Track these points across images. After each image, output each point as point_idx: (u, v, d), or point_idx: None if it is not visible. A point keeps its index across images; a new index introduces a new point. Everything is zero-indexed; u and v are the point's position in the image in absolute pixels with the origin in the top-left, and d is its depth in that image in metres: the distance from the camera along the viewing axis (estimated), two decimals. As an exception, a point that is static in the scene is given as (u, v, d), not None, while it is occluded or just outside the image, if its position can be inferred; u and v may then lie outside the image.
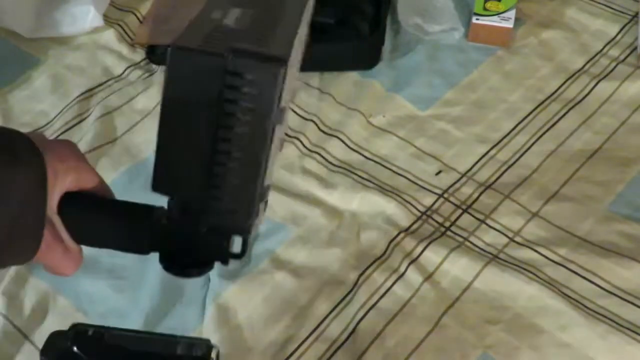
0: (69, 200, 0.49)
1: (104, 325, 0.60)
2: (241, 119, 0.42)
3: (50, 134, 1.16)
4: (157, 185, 0.45)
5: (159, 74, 1.24)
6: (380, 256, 0.97)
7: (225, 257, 0.49)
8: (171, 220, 0.49)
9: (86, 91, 1.22)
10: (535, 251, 0.96)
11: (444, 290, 0.93)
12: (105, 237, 0.51)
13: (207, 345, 0.59)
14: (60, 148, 0.48)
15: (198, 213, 0.45)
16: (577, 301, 0.90)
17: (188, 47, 0.41)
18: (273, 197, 1.04)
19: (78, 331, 0.58)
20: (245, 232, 0.47)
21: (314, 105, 1.18)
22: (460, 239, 0.98)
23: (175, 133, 0.43)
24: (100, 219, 0.51)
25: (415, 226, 1.00)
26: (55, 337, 0.59)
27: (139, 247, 0.51)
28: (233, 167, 0.43)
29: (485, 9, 1.26)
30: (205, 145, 0.42)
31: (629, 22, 1.28)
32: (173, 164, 0.44)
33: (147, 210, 0.51)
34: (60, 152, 0.47)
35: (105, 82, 1.24)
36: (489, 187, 1.05)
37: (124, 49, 1.30)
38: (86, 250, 0.53)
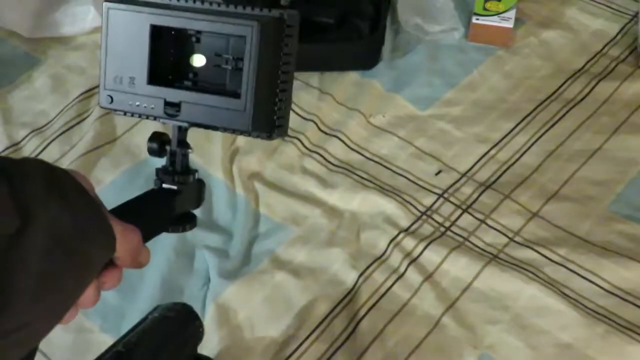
0: None
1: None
2: (290, 58, 0.55)
3: (50, 133, 1.16)
4: (255, 125, 0.54)
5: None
6: (380, 256, 0.97)
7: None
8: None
9: (86, 91, 1.22)
10: (535, 251, 0.96)
11: (444, 290, 0.93)
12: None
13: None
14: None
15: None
16: (577, 301, 0.90)
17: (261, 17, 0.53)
18: (273, 197, 1.05)
19: None
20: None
21: (314, 105, 1.18)
22: (460, 239, 0.98)
23: (263, 84, 0.53)
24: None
25: (415, 226, 1.00)
26: None
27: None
28: (286, 89, 0.56)
29: (485, 9, 1.26)
30: (276, 83, 0.55)
31: (629, 22, 1.28)
32: (262, 107, 0.54)
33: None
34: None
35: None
36: (489, 187, 1.05)
37: (124, 49, 1.29)
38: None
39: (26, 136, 1.17)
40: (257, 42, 0.51)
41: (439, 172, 1.07)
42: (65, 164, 1.11)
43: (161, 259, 0.97)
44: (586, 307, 0.89)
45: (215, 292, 0.94)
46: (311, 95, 1.20)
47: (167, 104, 0.55)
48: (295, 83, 1.30)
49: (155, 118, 0.56)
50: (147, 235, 0.52)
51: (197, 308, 0.92)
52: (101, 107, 0.57)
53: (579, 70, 1.21)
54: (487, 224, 1.00)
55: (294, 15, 0.54)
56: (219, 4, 0.54)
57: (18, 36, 1.32)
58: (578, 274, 0.93)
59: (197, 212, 1.11)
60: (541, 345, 0.87)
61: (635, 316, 0.88)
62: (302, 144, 1.12)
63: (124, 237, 0.48)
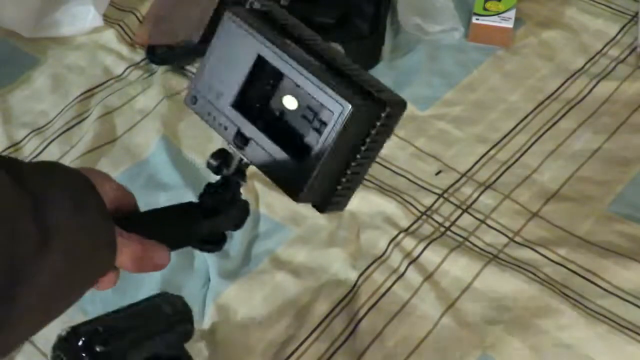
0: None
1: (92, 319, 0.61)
2: (374, 145, 0.53)
3: (50, 133, 1.16)
4: (309, 195, 0.53)
5: (159, 74, 1.24)
6: (380, 256, 0.97)
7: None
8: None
9: (86, 91, 1.22)
10: (535, 251, 0.96)
11: (443, 290, 0.93)
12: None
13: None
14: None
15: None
16: (577, 301, 0.90)
17: (358, 102, 0.50)
18: (273, 197, 1.05)
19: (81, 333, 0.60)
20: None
21: (314, 105, 1.18)
22: (460, 239, 0.98)
23: (333, 160, 0.52)
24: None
25: (415, 226, 1.00)
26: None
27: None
28: (356, 176, 0.55)
29: (485, 9, 1.26)
30: (346, 165, 0.54)
31: (629, 22, 1.28)
32: (321, 180, 0.53)
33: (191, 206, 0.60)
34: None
35: (105, 82, 1.24)
36: (488, 187, 1.05)
37: (124, 49, 1.30)
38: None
39: (26, 136, 1.17)
40: (342, 123, 0.49)
41: (439, 172, 1.07)
42: (65, 164, 1.10)
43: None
44: (586, 307, 0.89)
45: (215, 292, 0.94)
46: (311, 95, 1.19)
47: (239, 134, 0.54)
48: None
49: (224, 139, 0.56)
50: (171, 244, 0.54)
51: (197, 308, 0.93)
52: (185, 104, 0.57)
53: (579, 70, 1.21)
54: (487, 224, 1.00)
55: (399, 103, 0.52)
56: (330, 65, 0.52)
57: (18, 36, 1.32)
58: (578, 274, 0.93)
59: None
60: (541, 345, 0.87)
61: (635, 316, 0.88)
62: (302, 144, 1.12)
63: (125, 247, 0.49)
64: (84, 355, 0.58)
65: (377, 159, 1.08)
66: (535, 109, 1.16)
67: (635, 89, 1.17)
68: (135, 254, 0.50)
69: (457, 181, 1.06)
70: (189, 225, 0.58)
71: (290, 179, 0.52)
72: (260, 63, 0.53)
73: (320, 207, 0.55)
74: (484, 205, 1.02)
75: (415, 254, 0.96)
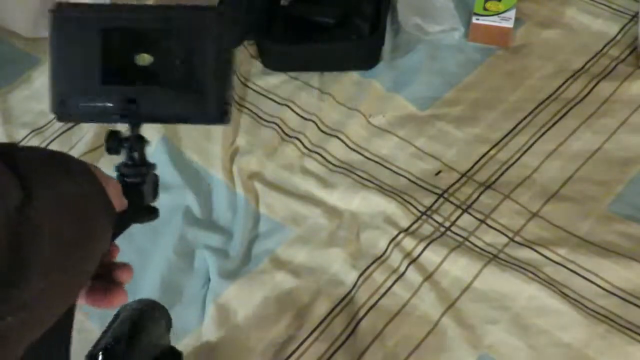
0: None
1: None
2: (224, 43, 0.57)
3: (50, 133, 1.16)
4: (218, 111, 0.56)
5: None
6: (380, 256, 0.97)
7: None
8: None
9: (86, 91, 1.22)
10: (535, 251, 0.96)
11: (444, 290, 0.93)
12: None
13: None
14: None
15: None
16: (577, 301, 0.90)
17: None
18: (273, 197, 1.05)
19: None
20: None
21: (314, 105, 1.18)
22: (460, 239, 0.98)
23: (216, 68, 0.56)
24: None
25: (415, 226, 1.00)
26: None
27: None
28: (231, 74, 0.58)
29: (485, 9, 1.26)
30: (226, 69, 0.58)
31: (629, 22, 1.28)
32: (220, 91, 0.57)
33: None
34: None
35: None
36: (489, 187, 1.05)
37: (124, 49, 1.29)
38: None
39: (26, 136, 1.17)
40: (214, 31, 0.54)
41: (439, 172, 1.07)
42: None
43: (161, 259, 0.97)
44: (586, 307, 0.89)
45: (215, 292, 0.94)
46: (311, 95, 1.20)
47: (125, 100, 0.56)
48: (295, 83, 1.31)
49: (112, 119, 0.57)
50: (122, 228, 0.55)
51: (197, 308, 0.93)
52: (52, 113, 0.59)
53: (579, 70, 1.21)
54: (487, 224, 1.00)
55: (225, 9, 0.58)
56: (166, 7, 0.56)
57: (18, 36, 1.32)
58: (578, 274, 0.93)
59: (196, 212, 1.11)
60: (541, 345, 0.87)
61: (635, 316, 0.88)
62: (302, 144, 1.12)
63: (109, 184, 0.50)
64: None
65: (377, 159, 1.10)
66: (535, 109, 1.16)
67: (635, 89, 1.17)
68: (118, 190, 0.52)
69: (457, 181, 1.06)
70: (132, 204, 0.59)
71: (193, 110, 0.56)
72: (106, 34, 0.55)
73: (223, 118, 0.57)
74: (484, 205, 1.02)
75: (415, 254, 0.96)
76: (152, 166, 0.61)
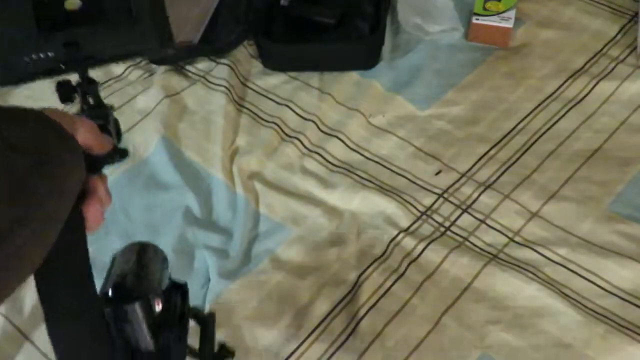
0: None
1: None
2: None
3: (50, 134, 1.16)
4: (163, 41, 0.57)
5: (159, 74, 1.24)
6: (380, 256, 0.97)
7: None
8: None
9: (86, 91, 1.22)
10: (535, 251, 0.96)
11: (444, 290, 0.93)
12: None
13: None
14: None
15: None
16: (577, 301, 0.90)
17: None
18: (273, 197, 1.05)
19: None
20: None
21: (314, 105, 1.18)
22: (460, 239, 0.98)
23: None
24: None
25: (415, 226, 1.00)
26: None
27: None
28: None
29: (485, 9, 1.26)
30: None
31: (629, 22, 1.28)
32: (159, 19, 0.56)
33: None
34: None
35: (105, 82, 1.24)
36: (488, 187, 1.05)
37: (124, 49, 1.30)
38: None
39: (26, 136, 1.17)
40: None
41: (439, 172, 1.07)
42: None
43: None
44: (586, 307, 0.89)
45: (215, 291, 0.94)
46: (311, 95, 1.20)
47: (65, 44, 0.55)
48: (295, 83, 1.31)
49: (57, 70, 0.56)
50: (96, 168, 0.54)
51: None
52: None
53: (579, 70, 1.21)
54: (487, 224, 1.00)
55: None
56: None
57: (18, 36, 1.32)
58: (578, 274, 0.93)
59: (196, 211, 1.11)
60: (541, 345, 0.87)
61: (635, 316, 0.88)
62: (302, 144, 1.12)
63: (80, 125, 0.51)
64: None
65: (377, 159, 1.10)
66: (535, 108, 1.16)
67: (635, 89, 1.17)
68: (91, 127, 0.52)
69: (457, 181, 1.06)
70: None
71: (133, 41, 0.55)
72: None
73: (167, 44, 0.57)
74: (484, 205, 1.02)
75: (415, 253, 0.96)
76: (110, 107, 0.60)
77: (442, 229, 1.00)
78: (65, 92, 0.58)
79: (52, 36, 0.55)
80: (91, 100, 0.59)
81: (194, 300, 0.94)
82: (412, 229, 1.00)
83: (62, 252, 0.43)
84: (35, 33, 0.55)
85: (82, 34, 0.55)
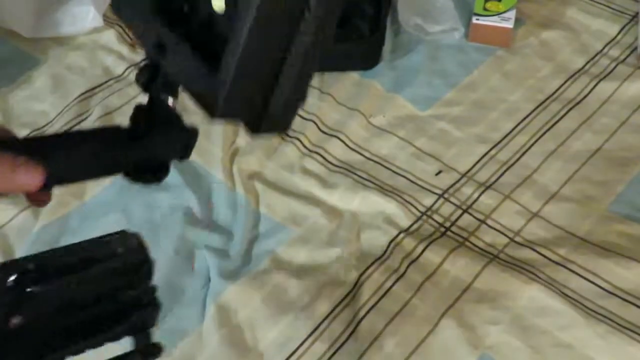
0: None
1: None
2: (309, 32, 0.41)
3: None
4: (227, 108, 0.42)
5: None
6: (381, 256, 0.97)
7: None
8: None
9: (86, 91, 1.22)
10: (536, 251, 0.96)
11: (444, 290, 0.93)
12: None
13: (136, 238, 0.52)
14: None
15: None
16: (577, 301, 0.90)
17: None
18: (273, 197, 1.05)
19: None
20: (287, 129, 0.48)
21: (314, 105, 1.18)
22: (461, 239, 0.98)
23: (255, 53, 0.40)
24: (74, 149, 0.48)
25: (415, 226, 1.00)
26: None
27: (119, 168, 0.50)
28: (292, 79, 0.43)
29: (485, 9, 1.26)
30: (274, 65, 0.42)
31: (629, 22, 1.28)
32: (243, 90, 0.42)
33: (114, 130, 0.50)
34: None
35: (106, 82, 1.24)
36: (489, 187, 1.05)
37: (124, 49, 1.30)
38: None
39: (26, 136, 1.17)
40: (256, 2, 0.38)
41: (439, 172, 1.07)
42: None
43: (161, 259, 0.97)
44: (586, 307, 0.89)
45: (215, 292, 0.94)
46: (311, 95, 1.20)
47: (157, 42, 0.45)
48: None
49: (144, 48, 0.47)
50: (93, 170, 0.47)
51: (197, 308, 0.93)
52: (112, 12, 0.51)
53: (579, 70, 1.21)
54: (487, 224, 1.00)
55: None
56: None
57: (18, 36, 1.32)
58: (578, 274, 0.93)
59: (196, 212, 1.11)
60: (541, 345, 0.87)
61: (635, 316, 0.88)
62: (302, 144, 1.12)
63: None
64: (12, 295, 0.46)
65: (377, 159, 1.10)
66: (535, 109, 1.16)
67: (635, 89, 1.17)
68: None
69: (457, 181, 1.06)
70: (114, 148, 0.49)
71: (207, 90, 0.42)
72: None
73: (253, 126, 0.44)
74: (484, 206, 1.02)
75: (415, 254, 0.96)
76: (174, 123, 0.51)
77: (443, 229, 1.00)
78: (144, 80, 0.49)
79: (154, 23, 0.45)
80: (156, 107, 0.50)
81: (194, 300, 0.94)
82: (412, 229, 1.00)
83: None
84: (146, 3, 0.45)
85: (173, 43, 0.45)
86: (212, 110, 0.42)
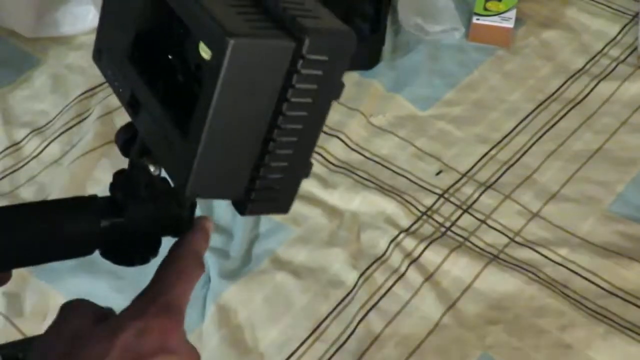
0: None
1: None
2: (302, 102, 0.36)
3: (50, 133, 1.16)
4: (197, 187, 0.35)
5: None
6: (381, 256, 0.97)
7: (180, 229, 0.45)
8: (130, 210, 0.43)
9: (86, 91, 1.22)
10: (536, 251, 0.96)
11: (444, 290, 0.93)
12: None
13: None
14: None
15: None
16: (577, 301, 0.90)
17: (248, 34, 0.32)
18: (273, 197, 1.05)
19: None
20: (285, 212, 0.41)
21: (314, 105, 1.18)
22: (461, 239, 0.98)
23: (230, 131, 0.34)
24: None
25: (415, 226, 1.00)
26: None
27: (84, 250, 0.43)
28: (285, 153, 0.38)
29: (485, 9, 1.26)
30: (259, 136, 0.35)
31: (629, 22, 1.28)
32: (220, 163, 0.35)
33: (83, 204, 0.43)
34: None
35: (105, 82, 1.24)
36: (489, 187, 1.05)
37: (124, 49, 1.30)
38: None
39: (26, 136, 1.16)
40: (224, 68, 0.32)
41: (440, 172, 1.07)
42: (65, 164, 1.11)
43: (161, 259, 0.97)
44: (586, 307, 0.89)
45: (215, 292, 0.93)
46: (311, 95, 1.19)
47: (132, 96, 0.39)
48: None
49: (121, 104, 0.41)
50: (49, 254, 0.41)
51: (197, 308, 0.93)
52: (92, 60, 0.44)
53: (579, 70, 1.21)
54: (487, 224, 1.00)
55: (332, 34, 0.36)
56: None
57: (18, 36, 1.32)
58: (578, 274, 0.93)
59: (196, 212, 1.10)
60: (541, 345, 0.87)
61: (635, 316, 0.88)
62: (303, 144, 1.12)
63: None
64: None
65: (378, 159, 1.10)
66: (535, 109, 1.16)
67: (635, 89, 1.17)
68: None
69: (457, 181, 1.06)
70: (78, 223, 0.42)
71: (178, 163, 0.35)
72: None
73: (239, 206, 0.38)
74: (484, 206, 1.02)
75: (415, 254, 0.96)
76: (160, 196, 0.44)
77: (443, 229, 1.00)
78: (122, 143, 0.43)
79: (132, 75, 0.39)
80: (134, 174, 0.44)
81: (194, 300, 0.94)
82: (412, 229, 1.00)
83: None
84: (124, 53, 0.40)
85: (148, 100, 0.38)
86: (182, 187, 0.35)
